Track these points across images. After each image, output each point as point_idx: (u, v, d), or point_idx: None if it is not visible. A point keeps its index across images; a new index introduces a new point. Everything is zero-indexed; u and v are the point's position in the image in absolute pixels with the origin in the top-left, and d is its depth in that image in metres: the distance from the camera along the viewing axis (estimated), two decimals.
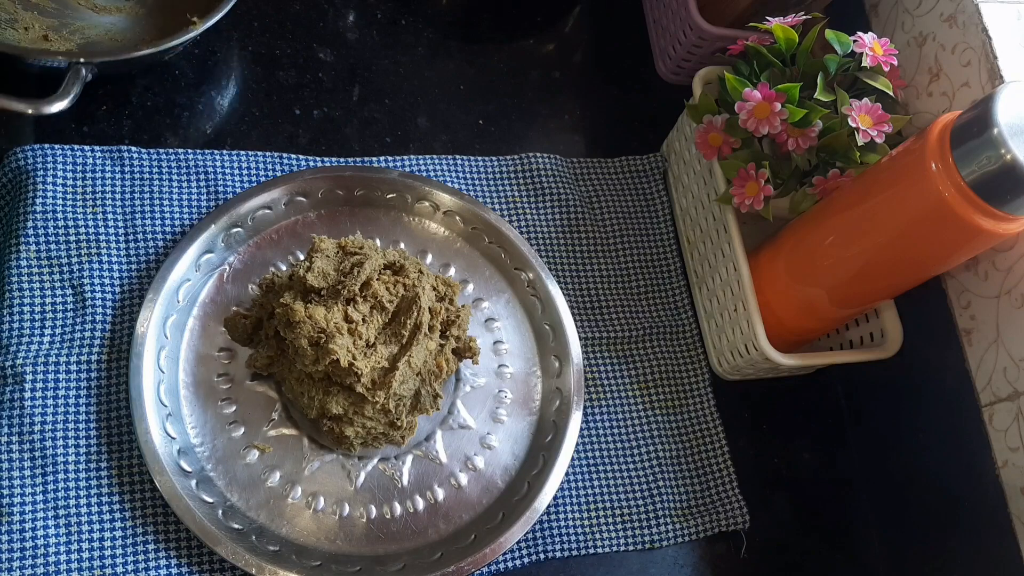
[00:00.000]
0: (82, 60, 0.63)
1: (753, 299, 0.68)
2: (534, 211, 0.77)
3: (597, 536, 0.68)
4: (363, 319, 0.62)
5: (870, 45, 0.65)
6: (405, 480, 0.65)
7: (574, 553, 0.67)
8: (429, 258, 0.73)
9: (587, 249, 0.77)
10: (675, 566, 0.69)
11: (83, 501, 0.59)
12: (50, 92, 0.64)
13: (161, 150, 0.70)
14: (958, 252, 0.60)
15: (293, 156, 0.73)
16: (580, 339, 0.72)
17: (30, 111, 0.62)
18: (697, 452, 0.72)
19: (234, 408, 0.64)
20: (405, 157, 0.76)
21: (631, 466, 0.70)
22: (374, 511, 0.64)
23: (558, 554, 0.66)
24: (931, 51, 0.71)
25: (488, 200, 0.76)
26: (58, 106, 0.62)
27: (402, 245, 0.72)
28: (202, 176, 0.70)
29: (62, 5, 0.73)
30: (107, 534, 0.59)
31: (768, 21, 0.67)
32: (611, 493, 0.69)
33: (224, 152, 0.72)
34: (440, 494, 0.65)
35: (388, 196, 0.73)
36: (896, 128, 0.64)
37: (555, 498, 0.67)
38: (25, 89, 0.64)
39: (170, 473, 0.60)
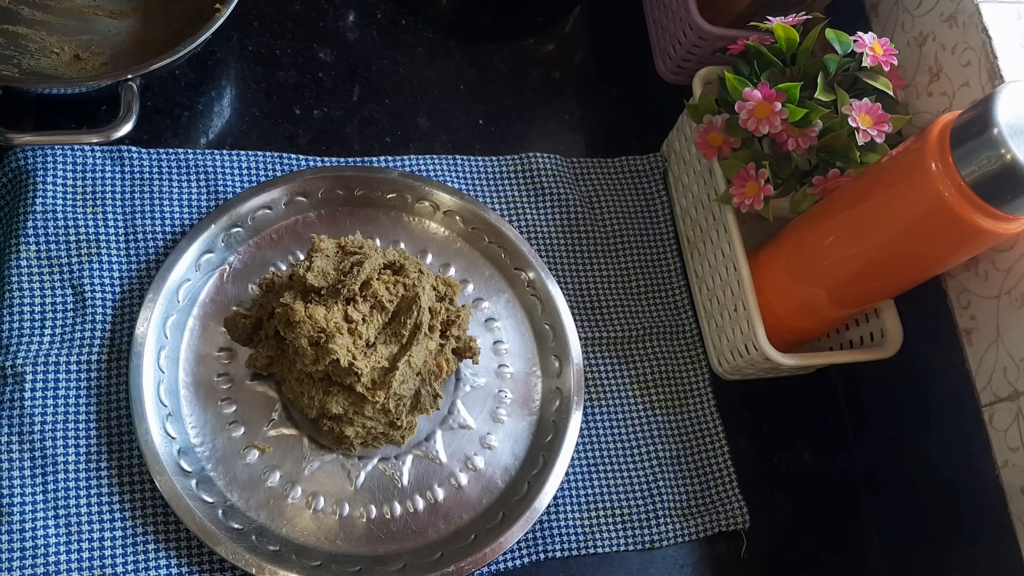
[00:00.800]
0: (129, 76, 0.64)
1: (753, 299, 0.68)
2: (534, 211, 0.77)
3: (597, 536, 0.67)
4: (363, 319, 0.62)
5: (870, 45, 0.65)
6: (405, 480, 0.65)
7: (574, 553, 0.67)
8: (429, 258, 0.73)
9: (587, 249, 0.77)
10: (675, 566, 0.69)
11: (83, 501, 0.59)
12: (93, 107, 0.69)
13: (161, 150, 0.70)
14: (958, 252, 0.60)
15: (293, 156, 0.73)
16: (580, 339, 0.72)
17: (95, 140, 0.65)
18: (697, 452, 0.72)
19: (234, 408, 0.64)
20: (405, 157, 0.76)
21: (631, 466, 0.70)
22: (374, 511, 0.64)
23: (558, 554, 0.66)
24: (931, 51, 0.71)
25: (488, 200, 0.76)
26: (125, 128, 0.64)
27: (402, 245, 0.72)
28: (202, 176, 0.70)
29: (81, 20, 0.73)
30: (107, 534, 0.59)
31: (769, 21, 0.67)
32: (611, 493, 0.69)
33: (224, 152, 0.72)
34: (440, 494, 0.65)
35: (388, 196, 0.73)
36: (896, 128, 0.64)
37: (555, 498, 0.67)
38: (71, 109, 0.70)
39: (170, 473, 0.60)
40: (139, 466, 0.61)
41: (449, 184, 0.75)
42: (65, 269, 0.64)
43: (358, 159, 0.75)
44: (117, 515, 0.60)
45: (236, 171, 0.71)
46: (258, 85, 0.77)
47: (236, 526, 0.60)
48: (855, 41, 0.66)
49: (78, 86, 0.66)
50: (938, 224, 0.57)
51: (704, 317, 0.76)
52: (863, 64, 0.65)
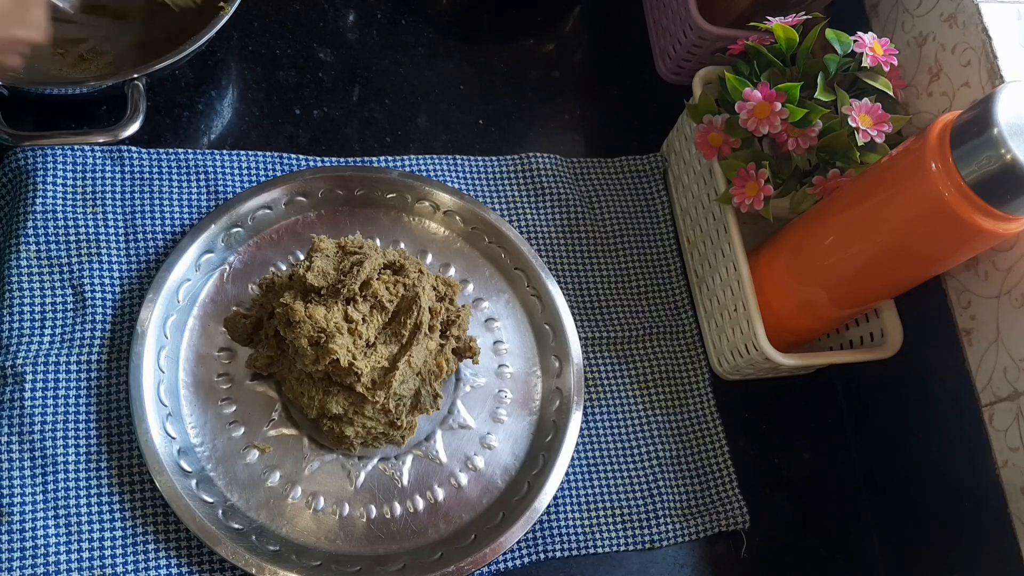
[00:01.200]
0: (136, 76, 0.65)
1: (753, 299, 0.68)
2: (534, 211, 0.77)
3: (597, 536, 0.67)
4: (363, 319, 0.62)
5: (870, 45, 0.65)
6: (405, 480, 0.65)
7: (574, 553, 0.67)
8: (429, 258, 0.73)
9: (587, 249, 0.77)
10: (675, 566, 0.69)
11: (83, 501, 0.59)
12: (93, 107, 0.69)
13: (161, 150, 0.70)
14: (958, 252, 0.60)
15: (293, 156, 0.73)
16: (580, 339, 0.72)
17: (102, 140, 0.66)
18: (697, 452, 0.72)
19: (234, 408, 0.64)
20: (405, 157, 0.76)
21: (631, 466, 0.70)
22: (374, 511, 0.64)
23: (558, 554, 0.66)
24: (931, 51, 0.71)
25: (488, 200, 0.76)
26: (133, 128, 0.65)
27: (402, 245, 0.72)
28: (202, 176, 0.70)
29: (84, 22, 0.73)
30: (107, 534, 0.59)
31: (768, 21, 0.67)
32: (611, 493, 0.69)
33: (224, 152, 0.72)
34: (440, 494, 0.65)
35: (388, 196, 0.73)
36: (896, 128, 0.64)
37: (555, 498, 0.67)
38: (72, 109, 0.70)
39: (170, 473, 0.60)
40: (139, 466, 0.61)
41: (449, 184, 0.75)
42: (65, 269, 0.64)
43: (358, 159, 0.75)
44: (117, 515, 0.60)
45: (236, 171, 0.71)
46: (258, 85, 0.77)
47: (236, 526, 0.60)
48: (855, 41, 0.66)
49: (85, 86, 0.66)
50: (938, 224, 0.57)
51: (704, 317, 0.76)
52: (863, 64, 0.65)
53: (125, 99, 0.65)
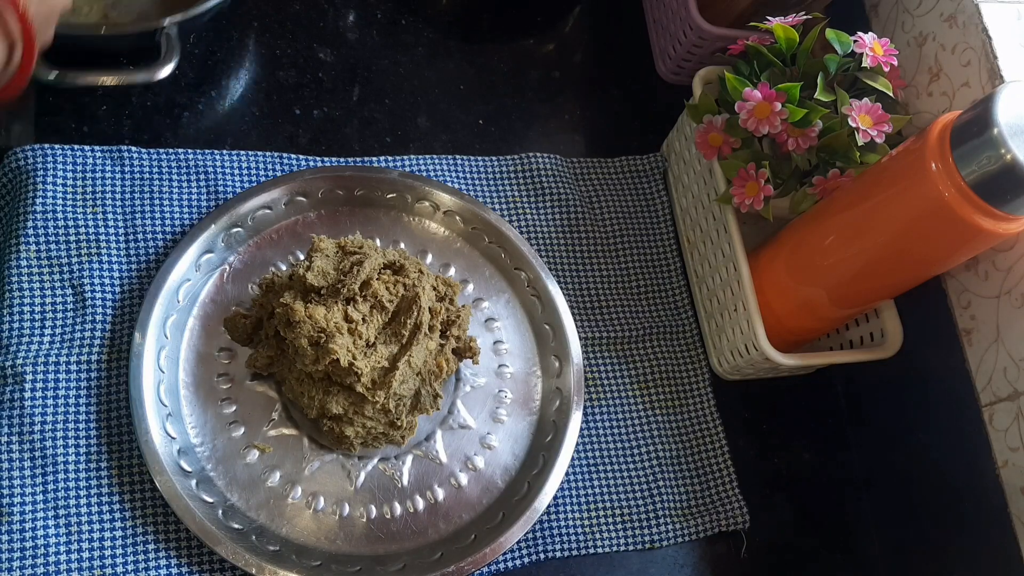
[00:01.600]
0: (165, 24, 0.65)
1: (753, 299, 0.68)
2: (534, 211, 0.77)
3: (597, 536, 0.67)
4: (363, 319, 0.62)
5: (870, 45, 0.65)
6: (405, 480, 0.65)
7: (574, 553, 0.67)
8: (429, 258, 0.73)
9: (587, 249, 0.77)
10: (675, 566, 0.69)
11: (83, 501, 0.59)
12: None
13: (161, 150, 0.70)
14: (958, 252, 0.60)
15: (293, 156, 0.73)
16: (580, 339, 0.72)
17: (138, 79, 0.65)
18: (697, 452, 0.72)
19: (234, 408, 0.64)
20: (405, 157, 0.76)
21: (631, 466, 0.70)
22: (374, 511, 0.64)
23: (558, 554, 0.66)
24: (931, 51, 0.71)
25: (488, 200, 0.76)
26: (168, 68, 0.65)
27: (402, 245, 0.72)
28: (202, 176, 0.70)
29: None
30: (107, 534, 0.59)
31: (768, 21, 0.67)
32: (611, 493, 0.69)
33: (224, 152, 0.72)
34: (440, 494, 0.65)
35: (388, 196, 0.73)
36: (896, 128, 0.64)
37: (555, 498, 0.67)
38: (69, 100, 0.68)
39: (170, 473, 0.60)
40: (139, 466, 0.61)
41: (449, 184, 0.75)
42: (65, 269, 0.64)
43: (358, 159, 0.75)
44: (117, 515, 0.60)
45: (236, 171, 0.71)
46: (258, 85, 0.77)
47: (236, 526, 0.60)
48: (855, 41, 0.66)
49: (120, 32, 0.67)
50: (938, 224, 0.57)
51: (704, 317, 0.76)
52: (863, 64, 0.65)
53: (118, 94, 0.64)
